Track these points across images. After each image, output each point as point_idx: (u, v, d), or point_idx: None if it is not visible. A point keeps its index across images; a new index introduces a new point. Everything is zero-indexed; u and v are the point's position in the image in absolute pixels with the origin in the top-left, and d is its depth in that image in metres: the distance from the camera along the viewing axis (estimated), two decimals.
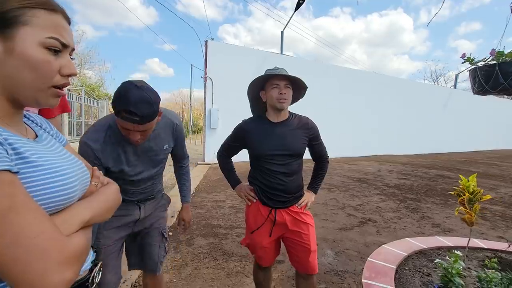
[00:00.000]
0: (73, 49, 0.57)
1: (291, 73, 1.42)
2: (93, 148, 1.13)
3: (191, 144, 16.39)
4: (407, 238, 2.84)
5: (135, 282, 2.10)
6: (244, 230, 3.15)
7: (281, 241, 1.60)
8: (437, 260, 1.94)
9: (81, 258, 0.49)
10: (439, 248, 2.60)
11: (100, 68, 22.00)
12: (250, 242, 1.58)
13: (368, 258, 2.33)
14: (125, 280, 2.06)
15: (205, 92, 9.14)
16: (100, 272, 0.63)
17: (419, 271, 2.20)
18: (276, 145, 1.45)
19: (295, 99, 1.56)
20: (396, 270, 2.17)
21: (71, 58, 0.57)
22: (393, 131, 13.22)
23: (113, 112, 1.09)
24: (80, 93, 11.88)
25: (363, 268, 2.27)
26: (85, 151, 1.12)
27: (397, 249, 2.50)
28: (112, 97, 1.06)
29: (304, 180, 1.59)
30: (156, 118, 1.11)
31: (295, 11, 8.77)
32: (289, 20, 10.18)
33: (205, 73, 8.99)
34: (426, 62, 63.14)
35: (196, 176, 6.68)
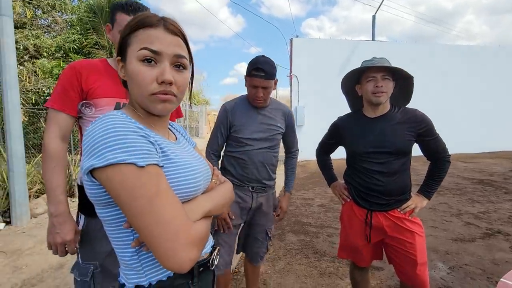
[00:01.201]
0: (178, 56, 0.58)
1: (388, 60, 1.27)
2: (227, 108, 1.51)
3: None
4: None
5: (234, 268, 2.32)
6: (335, 230, 3.04)
7: (383, 247, 1.47)
8: None
9: (203, 242, 0.57)
10: None
11: (198, 77, 25.30)
12: (345, 243, 1.51)
13: (501, 279, 1.86)
14: None
15: (291, 90, 9.22)
16: (218, 256, 0.72)
17: None
18: (373, 142, 1.33)
19: (404, 93, 1.39)
20: None
21: (178, 64, 0.59)
22: None
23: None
24: (184, 100, 13.90)
25: None
26: (221, 112, 1.53)
27: None
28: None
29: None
30: (274, 83, 1.46)
31: None
32: (382, 1, 9.15)
33: (291, 71, 9.05)
34: None
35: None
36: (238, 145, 1.50)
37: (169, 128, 0.72)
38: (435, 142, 1.35)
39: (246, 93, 1.52)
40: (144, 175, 0.50)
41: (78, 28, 8.33)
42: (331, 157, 1.71)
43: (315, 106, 8.64)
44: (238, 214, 1.53)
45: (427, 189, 1.40)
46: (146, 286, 0.59)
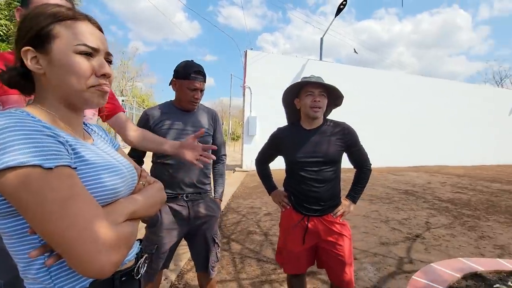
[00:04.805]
0: (107, 53, 0.61)
1: (332, 80, 1.42)
2: (148, 115, 1.47)
3: (229, 151, 16.78)
4: (460, 258, 2.55)
5: (175, 281, 2.21)
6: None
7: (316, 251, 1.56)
8: (497, 285, 1.71)
9: (128, 245, 0.54)
10: (499, 271, 2.29)
11: (150, 80, 24.13)
12: (283, 247, 1.57)
13: (413, 277, 2.15)
14: (165, 278, 2.18)
15: (243, 101, 9.39)
16: (145, 265, 0.69)
17: None
18: (309, 152, 1.45)
19: (331, 108, 1.55)
20: None
21: (107, 60, 0.61)
22: (447, 139, 12.04)
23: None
24: (132, 103, 13.07)
25: (407, 287, 2.09)
26: (142, 120, 1.48)
27: (447, 269, 2.26)
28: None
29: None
30: None
31: (335, 16, 8.64)
32: (329, 27, 10.04)
33: (244, 82, 9.24)
34: (488, 63, 56.45)
35: (233, 182, 6.82)
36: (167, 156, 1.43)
37: (84, 129, 0.68)
38: (358, 152, 1.53)
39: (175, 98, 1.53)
40: (54, 178, 0.47)
41: (6, 12, 7.29)
42: (272, 167, 1.77)
43: (266, 117, 8.92)
44: (175, 228, 1.44)
45: (353, 194, 1.57)
46: None
